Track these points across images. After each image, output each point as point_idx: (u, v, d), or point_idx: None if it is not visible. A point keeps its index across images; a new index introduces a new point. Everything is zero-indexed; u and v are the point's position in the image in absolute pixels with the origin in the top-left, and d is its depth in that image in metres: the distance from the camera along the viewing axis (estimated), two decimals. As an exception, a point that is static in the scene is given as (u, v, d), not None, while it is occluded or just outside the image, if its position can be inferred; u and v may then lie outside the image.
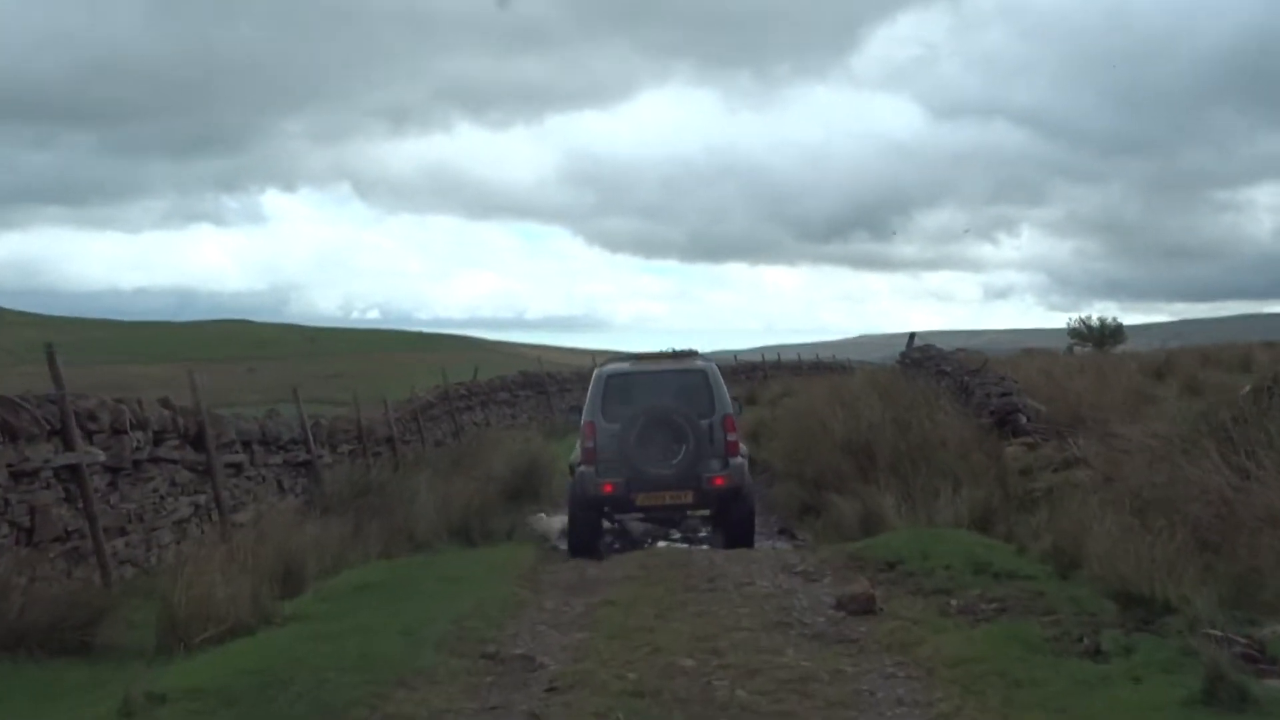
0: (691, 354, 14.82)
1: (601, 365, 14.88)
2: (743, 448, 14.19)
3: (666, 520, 14.50)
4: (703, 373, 13.93)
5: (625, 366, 14.36)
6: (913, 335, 24.81)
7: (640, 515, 14.12)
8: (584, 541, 13.47)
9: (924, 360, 21.71)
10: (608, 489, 13.27)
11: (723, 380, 14.21)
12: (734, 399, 14.71)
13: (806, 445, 17.02)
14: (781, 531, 15.16)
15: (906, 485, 12.39)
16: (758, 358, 44.78)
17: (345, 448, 17.23)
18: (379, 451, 17.96)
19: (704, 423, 13.32)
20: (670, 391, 13.79)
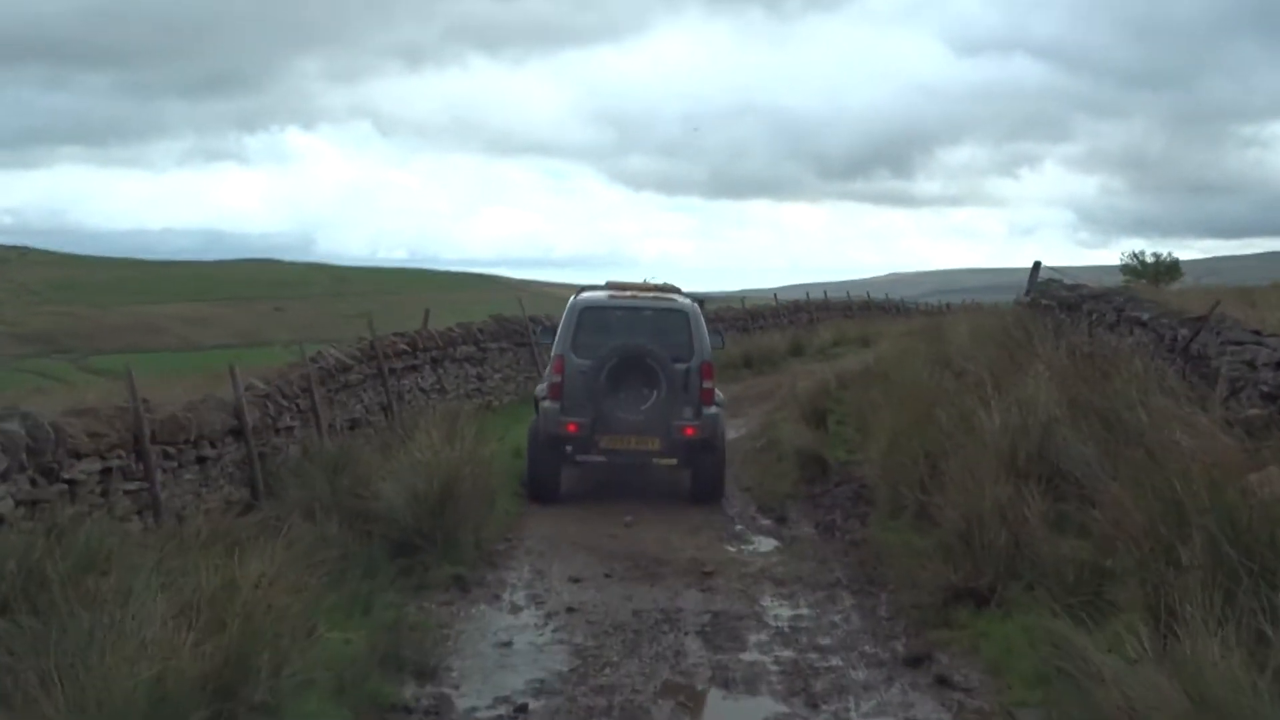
0: (673, 290, 14.17)
1: (578, 294, 13.79)
2: (719, 395, 13.30)
3: (631, 466, 13.13)
4: (684, 313, 13.14)
5: (603, 298, 13.62)
6: (1038, 265, 17.73)
7: (603, 458, 12.91)
8: (542, 482, 12.96)
9: (1076, 301, 14.62)
10: (571, 428, 12.68)
11: (704, 322, 13.39)
12: (715, 332, 14.28)
13: (930, 450, 10.22)
14: (915, 662, 7.45)
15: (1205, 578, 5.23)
16: (800, 295, 37.80)
17: (86, 469, 8.53)
18: (206, 458, 11.37)
19: (680, 367, 12.63)
20: (648, 330, 13.09)
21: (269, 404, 13.61)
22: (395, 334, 18.88)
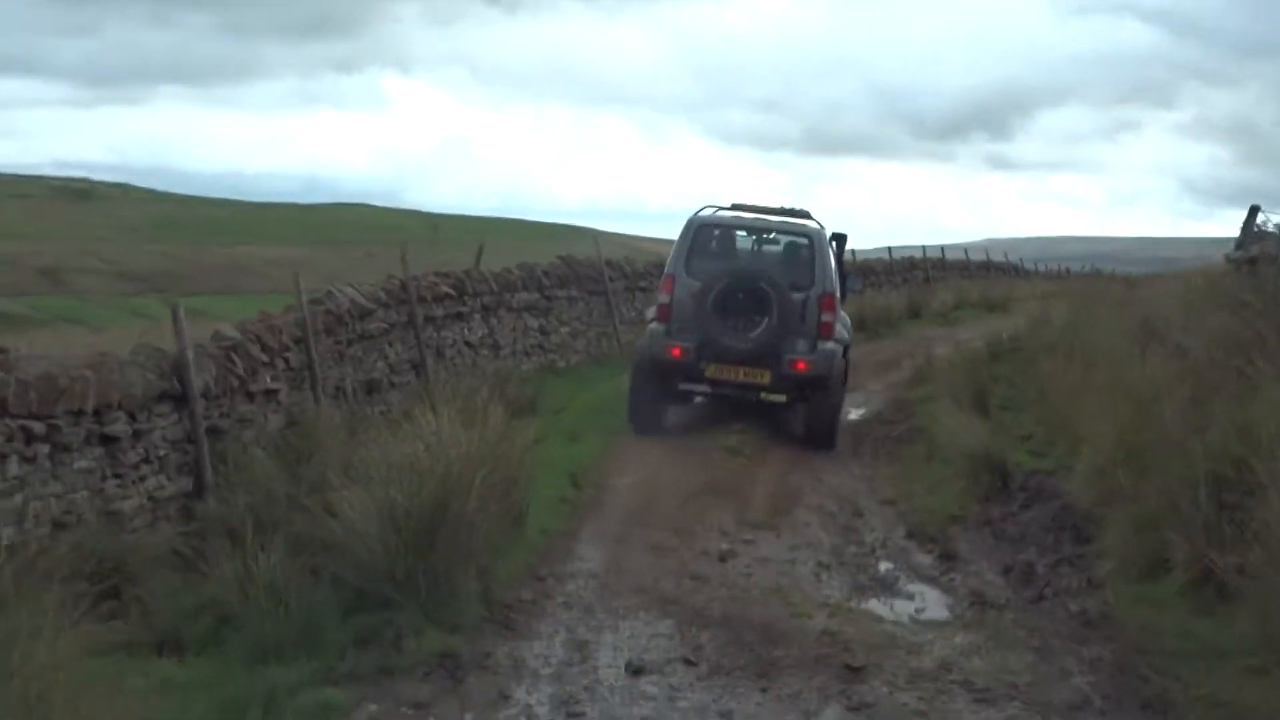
0: (803, 214, 12.56)
1: (699, 210, 12.32)
2: (841, 331, 11.98)
3: (738, 400, 11.67)
4: (808, 238, 11.91)
5: (724, 216, 12.43)
6: (1255, 210, 13.14)
7: (708, 389, 11.63)
8: (643, 411, 11.68)
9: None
10: (675, 353, 11.45)
11: (830, 252, 12.08)
12: (850, 274, 13.70)
13: (1217, 472, 6.14)
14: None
15: None
16: (917, 253, 33.31)
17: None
18: (115, 437, 7.63)
19: (797, 296, 11.38)
20: (768, 253, 12.32)
21: (236, 359, 9.77)
22: (437, 273, 14.94)
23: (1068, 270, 46.18)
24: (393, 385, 13.14)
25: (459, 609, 6.26)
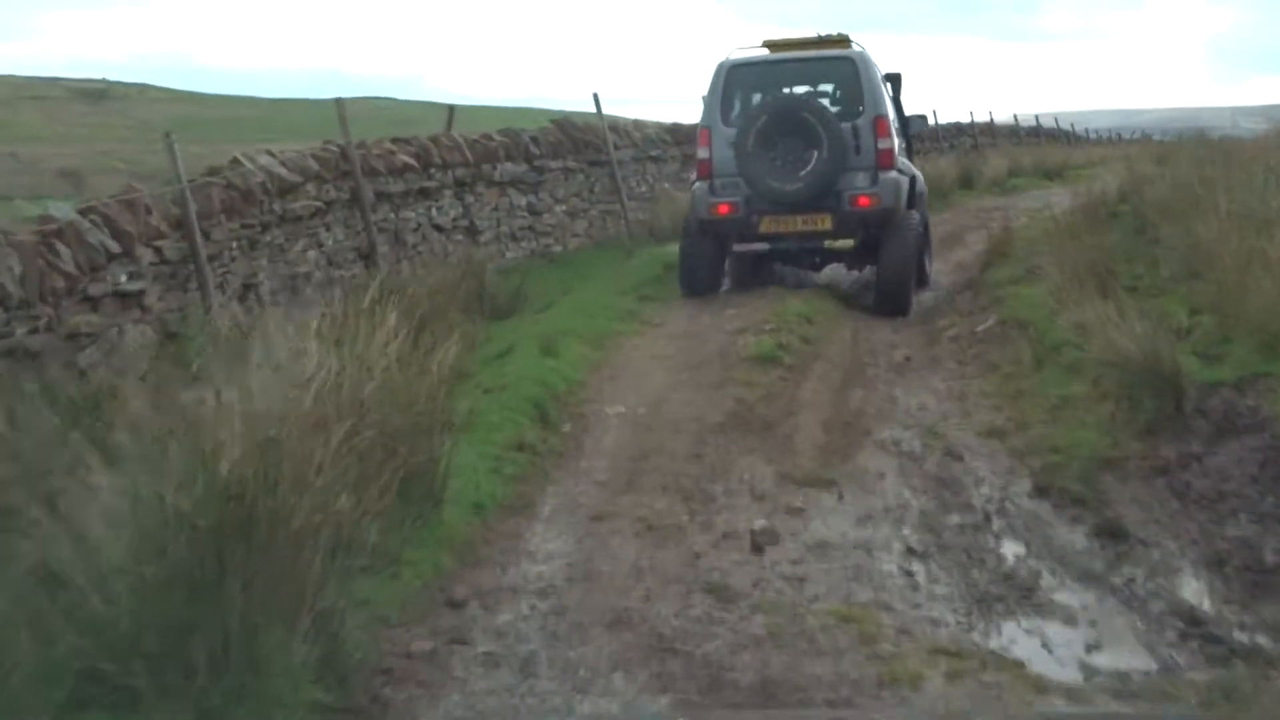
0: (841, 40, 10.89)
1: (729, 53, 10.78)
2: (902, 161, 10.47)
3: (800, 255, 10.41)
4: (850, 61, 10.48)
5: (756, 54, 11.00)
6: None
7: (765, 245, 10.15)
8: (695, 278, 10.31)
9: None
10: (723, 210, 10.18)
11: (878, 73, 10.57)
12: (907, 118, 11.56)
13: None
14: None
15: None
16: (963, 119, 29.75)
17: None
18: None
19: (847, 125, 9.95)
20: (809, 85, 10.80)
21: (64, 248, 6.80)
22: (394, 140, 11.80)
23: (1119, 136, 42.42)
24: (331, 281, 10.13)
25: (270, 702, 3.30)
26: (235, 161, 9.26)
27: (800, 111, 9.97)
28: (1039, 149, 29.52)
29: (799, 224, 10.02)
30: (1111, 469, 5.63)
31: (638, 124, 15.69)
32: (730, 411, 6.80)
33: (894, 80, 11.30)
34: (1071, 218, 11.49)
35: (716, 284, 10.39)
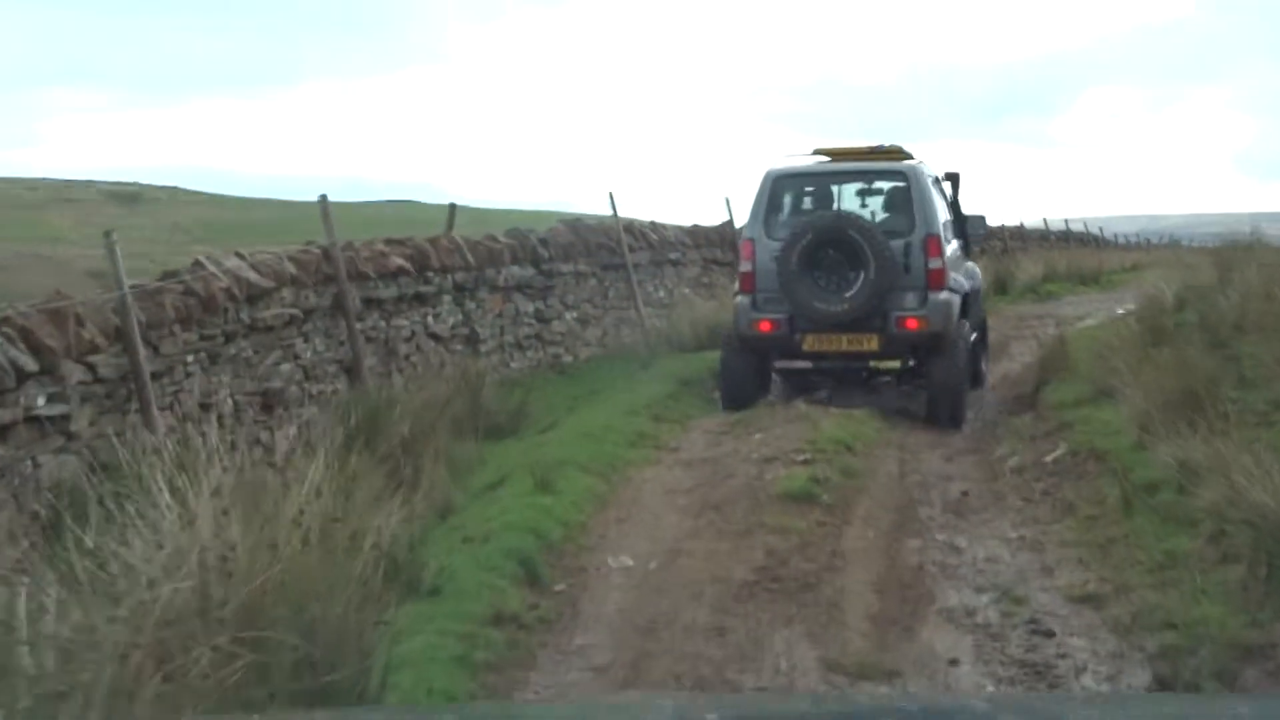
0: (894, 151, 10.38)
1: (777, 162, 10.22)
2: (955, 278, 9.85)
3: (846, 374, 9.84)
4: (903, 175, 9.95)
5: (804, 164, 10.42)
6: None
7: (809, 364, 9.72)
8: (737, 393, 9.68)
9: None
10: (765, 327, 9.69)
11: (932, 189, 9.96)
12: (970, 217, 11.01)
13: None
14: None
15: None
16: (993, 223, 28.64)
17: None
18: None
19: (897, 243, 9.42)
20: (857, 200, 10.32)
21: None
22: (387, 241, 10.75)
23: (1148, 241, 41.44)
24: (310, 397, 8.98)
25: None
26: (198, 264, 8.17)
27: (846, 230, 9.42)
28: (1070, 253, 28.44)
29: (844, 343, 9.54)
30: (1254, 659, 4.33)
31: (655, 225, 14.64)
32: (760, 566, 5.54)
33: (953, 180, 10.92)
34: (1130, 328, 10.31)
35: (759, 398, 9.75)
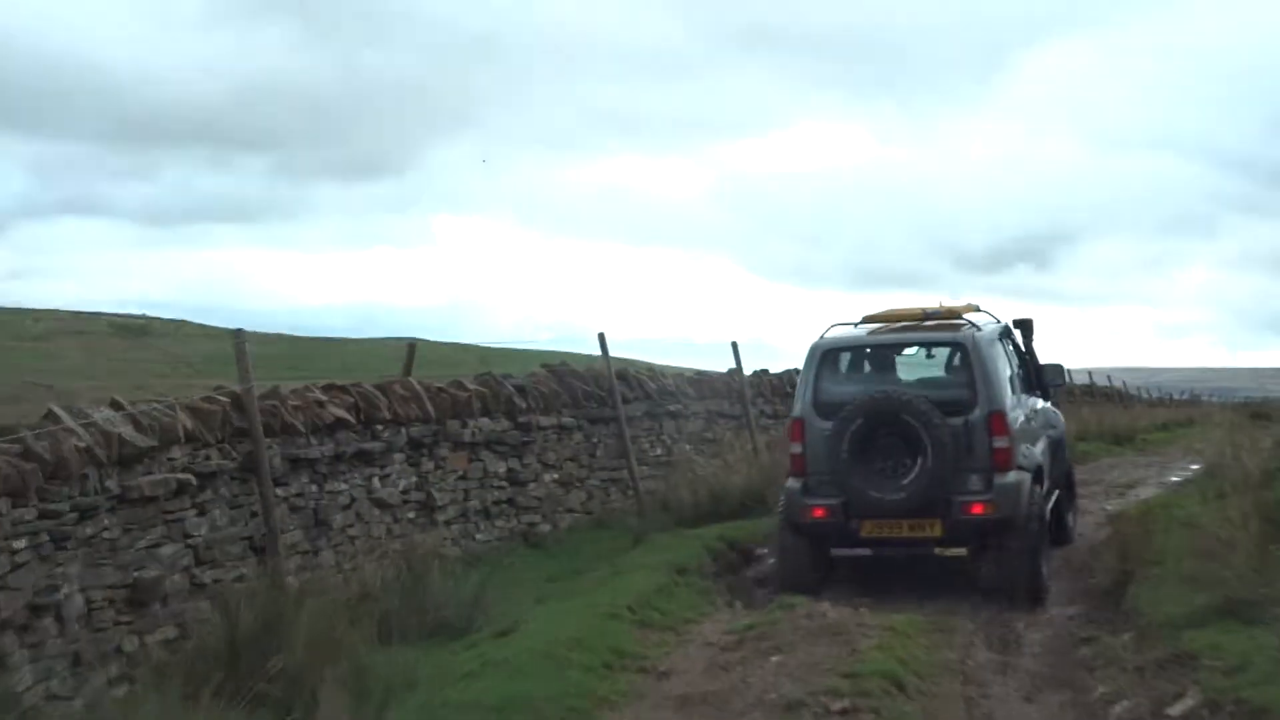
0: (951, 316, 9.46)
1: (823, 333, 9.46)
2: (1026, 451, 8.93)
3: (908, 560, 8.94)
4: (962, 346, 9.03)
5: (855, 334, 9.59)
6: None
7: (868, 551, 8.79)
8: (796, 579, 8.80)
9: None
10: (819, 514, 8.80)
11: (996, 354, 9.12)
12: (1041, 368, 10.40)
13: None
14: None
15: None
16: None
17: None
18: None
19: (956, 421, 8.55)
20: (914, 373, 9.66)
21: None
22: (325, 387, 8.84)
23: (1170, 396, 39.56)
24: (199, 587, 6.95)
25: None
26: (51, 416, 6.24)
27: (900, 414, 8.56)
28: (1099, 408, 26.53)
29: (905, 530, 8.65)
30: None
31: (653, 371, 12.72)
32: None
33: (1024, 327, 10.28)
34: (1236, 509, 8.30)
35: (821, 583, 8.99)
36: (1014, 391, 9.22)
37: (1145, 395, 37.59)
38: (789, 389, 15.58)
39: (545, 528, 10.54)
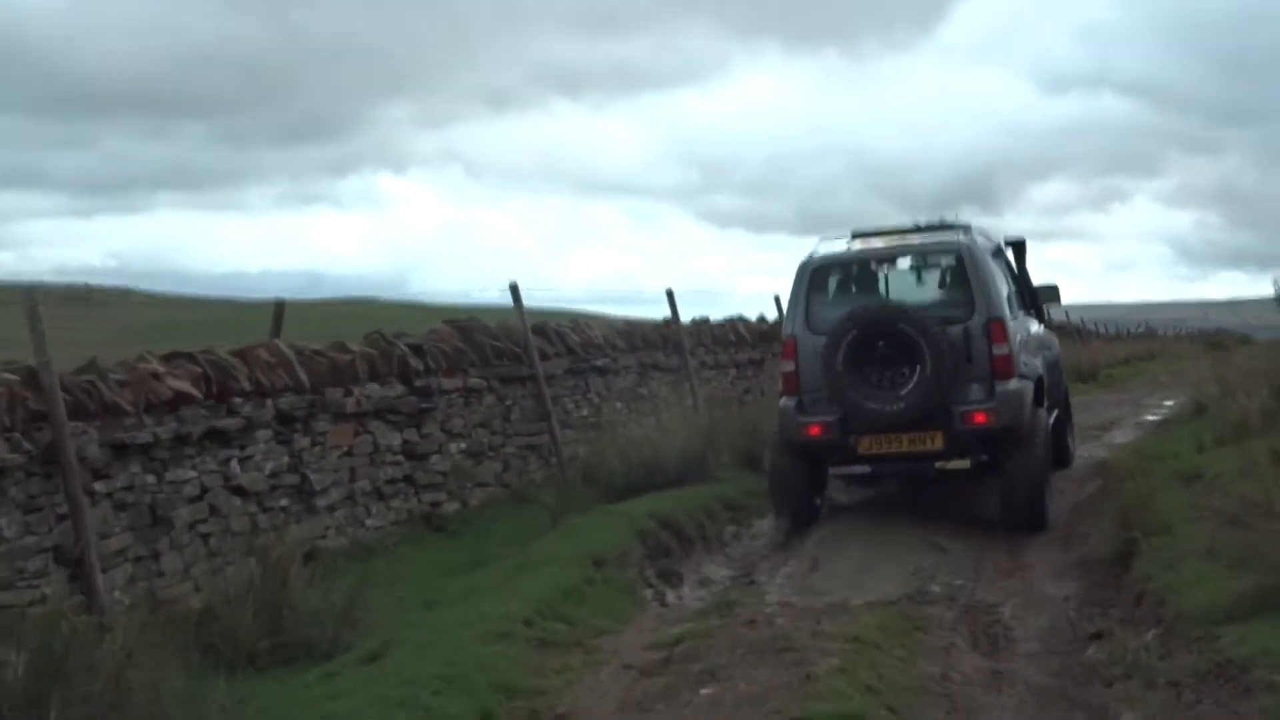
0: (946, 227, 9.22)
1: (813, 249, 9.25)
2: (1026, 361, 8.76)
3: (910, 475, 8.78)
4: (955, 253, 8.78)
5: (843, 249, 9.21)
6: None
7: (867, 468, 8.67)
8: (788, 501, 8.73)
9: None
10: (815, 431, 8.57)
11: (991, 264, 8.84)
12: (1036, 288, 10.05)
13: None
14: None
15: None
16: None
17: None
18: None
19: (955, 330, 8.34)
20: (907, 284, 9.32)
21: None
22: (169, 355, 7.25)
23: (1128, 331, 38.59)
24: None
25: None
26: None
27: (897, 322, 8.28)
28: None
29: (904, 444, 8.44)
30: None
31: (577, 324, 11.14)
32: None
33: (1016, 247, 9.91)
34: (1255, 457, 6.99)
35: (813, 511, 8.84)
36: (1011, 308, 8.87)
37: (1101, 330, 36.51)
38: (732, 338, 14.10)
39: (452, 506, 9.04)
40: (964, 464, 8.44)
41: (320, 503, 7.86)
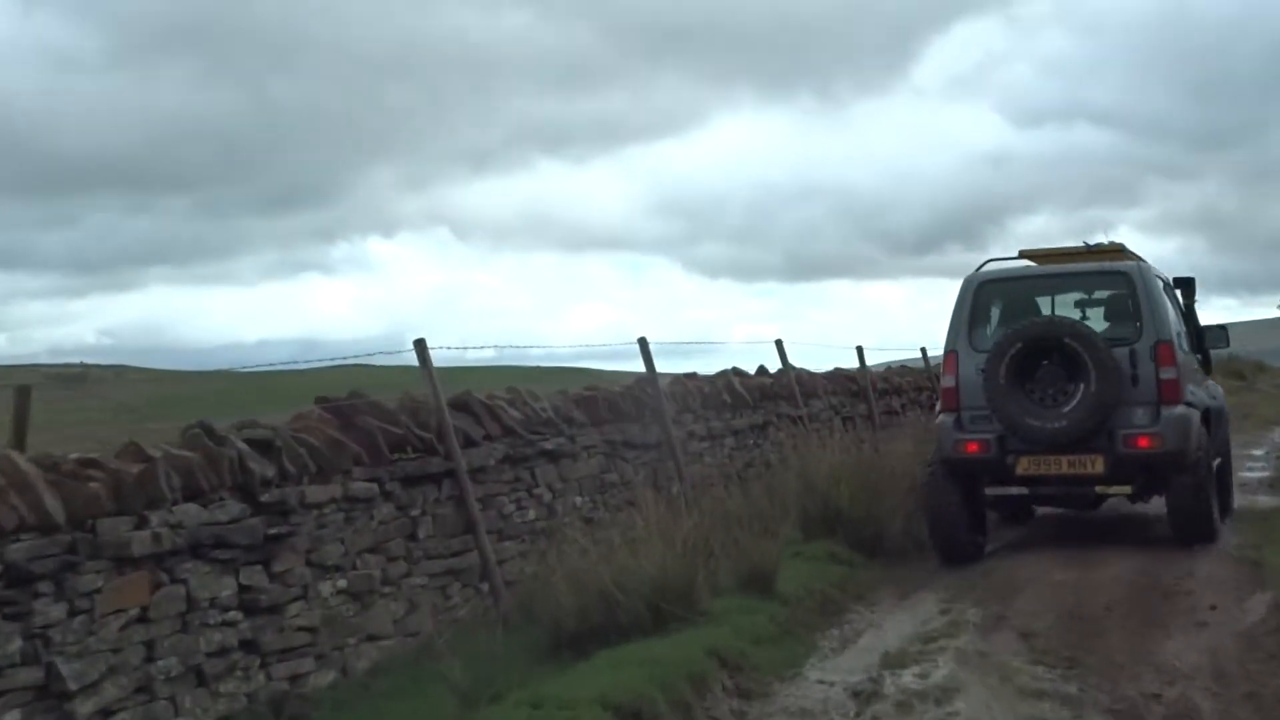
0: (1115, 250, 9.33)
1: (979, 267, 9.40)
2: (1193, 391, 8.61)
3: (1069, 500, 8.85)
4: (1126, 276, 8.73)
5: (1010, 268, 9.44)
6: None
7: (1023, 490, 8.59)
8: (946, 539, 8.43)
9: None
10: (972, 448, 8.57)
11: (1161, 293, 8.79)
12: (1202, 329, 9.78)
13: None
14: None
15: None
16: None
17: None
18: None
19: (1121, 351, 8.25)
20: (1074, 305, 9.24)
21: None
22: None
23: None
24: None
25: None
26: None
27: (1063, 338, 8.17)
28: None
29: (1064, 466, 8.21)
30: None
31: (517, 395, 8.07)
32: None
33: (1185, 286, 9.69)
34: None
35: (976, 547, 8.44)
36: (1180, 342, 8.62)
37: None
38: (727, 398, 11.11)
39: (326, 677, 6.02)
40: (1125, 489, 8.31)
41: (83, 707, 4.86)
